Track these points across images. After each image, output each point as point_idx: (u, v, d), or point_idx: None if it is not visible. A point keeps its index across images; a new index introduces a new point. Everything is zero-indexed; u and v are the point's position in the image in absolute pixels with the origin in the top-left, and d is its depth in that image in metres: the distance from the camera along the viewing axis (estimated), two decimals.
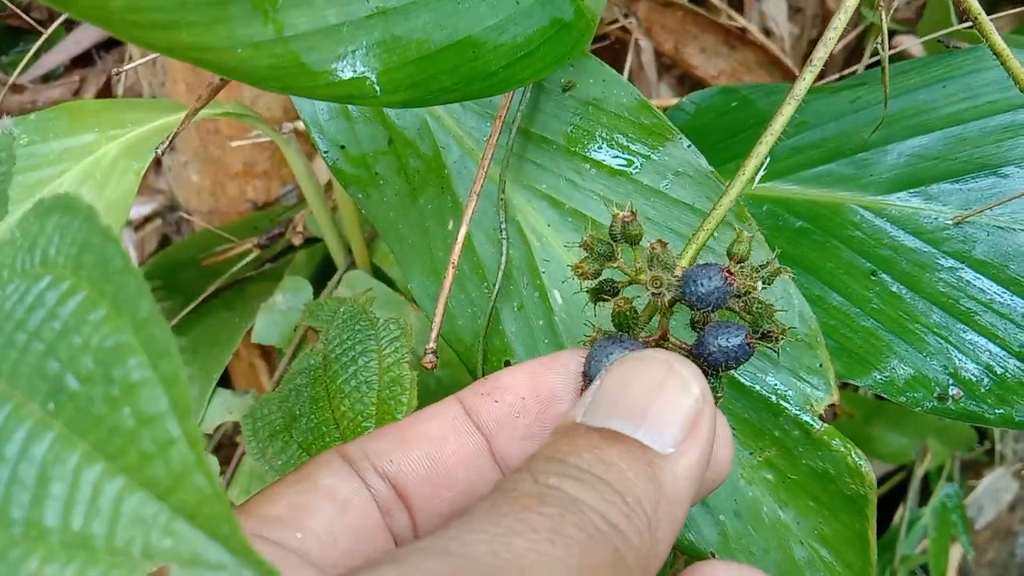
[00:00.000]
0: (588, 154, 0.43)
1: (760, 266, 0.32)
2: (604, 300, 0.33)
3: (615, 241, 0.32)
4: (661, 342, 0.33)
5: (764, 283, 0.31)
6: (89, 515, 0.16)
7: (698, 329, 0.33)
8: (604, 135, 0.43)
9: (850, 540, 0.41)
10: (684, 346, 0.33)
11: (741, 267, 0.32)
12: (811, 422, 0.41)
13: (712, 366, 0.31)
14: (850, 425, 0.78)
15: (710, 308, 0.30)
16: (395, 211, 0.45)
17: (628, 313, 0.32)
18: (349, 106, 0.45)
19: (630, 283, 0.33)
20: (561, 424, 0.26)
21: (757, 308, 0.32)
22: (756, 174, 0.32)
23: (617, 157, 0.43)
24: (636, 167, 0.43)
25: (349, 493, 0.27)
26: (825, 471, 0.41)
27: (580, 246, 0.32)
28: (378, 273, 0.65)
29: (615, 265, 0.32)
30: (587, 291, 0.33)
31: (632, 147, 0.43)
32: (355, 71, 0.29)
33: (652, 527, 0.23)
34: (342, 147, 0.45)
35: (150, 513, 0.16)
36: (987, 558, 1.06)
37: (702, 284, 0.30)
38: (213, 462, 0.61)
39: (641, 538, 0.22)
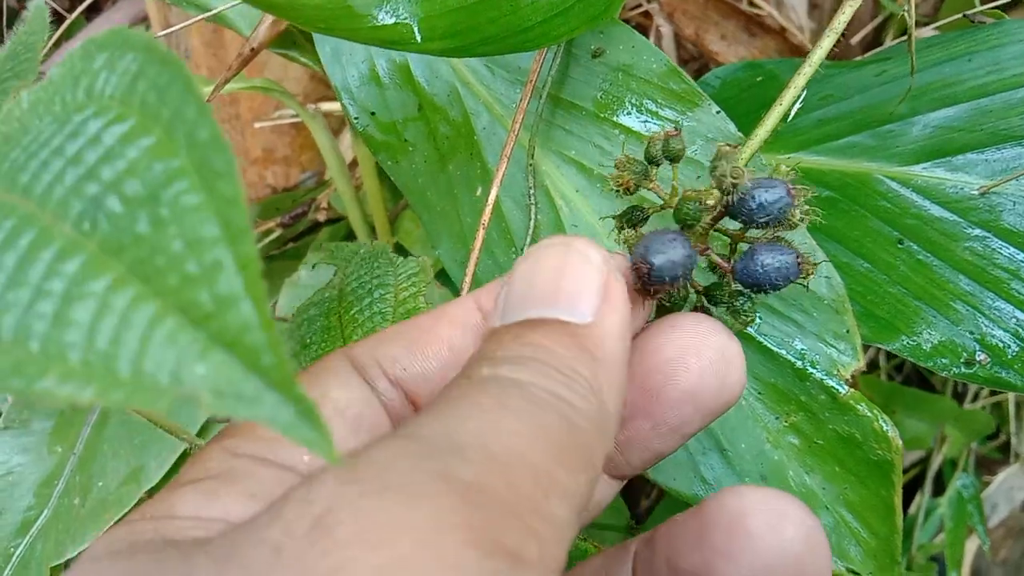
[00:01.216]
0: (617, 119, 0.43)
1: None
2: (632, 228, 0.34)
3: (652, 163, 0.32)
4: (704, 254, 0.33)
5: (802, 217, 0.32)
6: (116, 338, 0.15)
7: (741, 251, 0.33)
8: (634, 101, 0.43)
9: (876, 506, 0.42)
10: (724, 266, 0.33)
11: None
12: (837, 387, 0.41)
13: (755, 283, 0.31)
14: None
15: (768, 219, 0.30)
16: (424, 178, 0.46)
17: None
18: (379, 72, 0.46)
19: (661, 208, 0.33)
20: (483, 335, 0.26)
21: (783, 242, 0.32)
22: (793, 104, 0.33)
23: (647, 122, 0.43)
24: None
25: (361, 408, 0.26)
26: (851, 436, 0.41)
27: (615, 165, 0.32)
28: (400, 250, 0.65)
29: (651, 186, 0.32)
30: (614, 217, 0.33)
31: (662, 113, 0.43)
32: (397, 16, 0.30)
33: (596, 391, 0.23)
34: (372, 114, 0.46)
35: (184, 339, 0.15)
36: (1000, 556, 1.06)
37: (767, 193, 0.30)
38: None
39: (587, 401, 0.22)
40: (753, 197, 0.30)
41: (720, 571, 0.26)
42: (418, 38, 0.30)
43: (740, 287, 0.33)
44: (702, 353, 0.29)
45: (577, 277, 0.25)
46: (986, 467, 1.05)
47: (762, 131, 0.34)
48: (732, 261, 0.33)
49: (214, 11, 0.49)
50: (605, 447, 0.23)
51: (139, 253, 0.16)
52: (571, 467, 0.21)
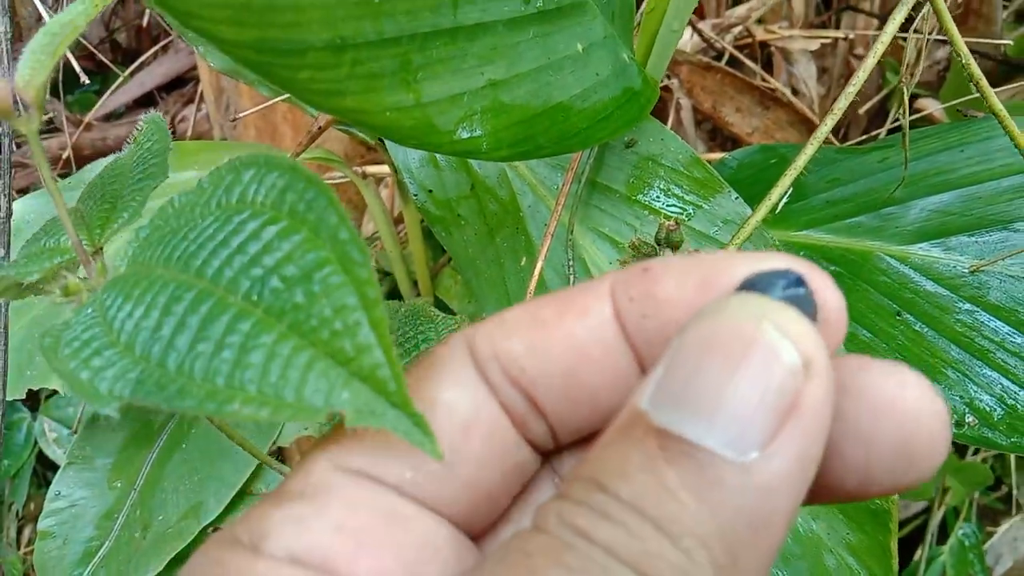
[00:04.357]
0: (647, 202, 0.49)
1: None
2: None
3: (659, 246, 0.37)
4: None
5: None
6: (282, 375, 0.21)
7: None
8: (662, 186, 0.49)
9: (873, 550, 0.46)
10: None
11: None
12: None
13: None
14: None
15: None
16: (474, 248, 0.52)
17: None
18: (437, 156, 0.52)
19: None
20: (626, 407, 0.20)
21: None
22: (780, 200, 0.38)
23: (673, 206, 0.49)
24: (689, 214, 0.49)
25: (471, 414, 0.22)
26: None
27: (628, 246, 0.37)
28: (440, 304, 0.71)
29: None
30: None
31: (687, 197, 0.49)
32: (471, 132, 0.36)
33: (725, 572, 0.17)
34: (430, 191, 0.52)
35: (333, 375, 0.21)
36: None
37: None
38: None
39: None
40: None
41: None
42: (486, 148, 0.36)
43: None
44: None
45: (752, 383, 0.18)
46: (989, 518, 1.08)
47: (748, 228, 0.39)
48: None
49: (279, 99, 0.55)
50: None
51: (297, 316, 0.22)
52: None
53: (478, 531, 0.23)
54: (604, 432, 0.20)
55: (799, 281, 0.19)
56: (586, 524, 0.17)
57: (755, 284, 0.20)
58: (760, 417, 0.18)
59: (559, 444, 0.24)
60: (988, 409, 0.48)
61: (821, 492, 0.21)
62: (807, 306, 0.19)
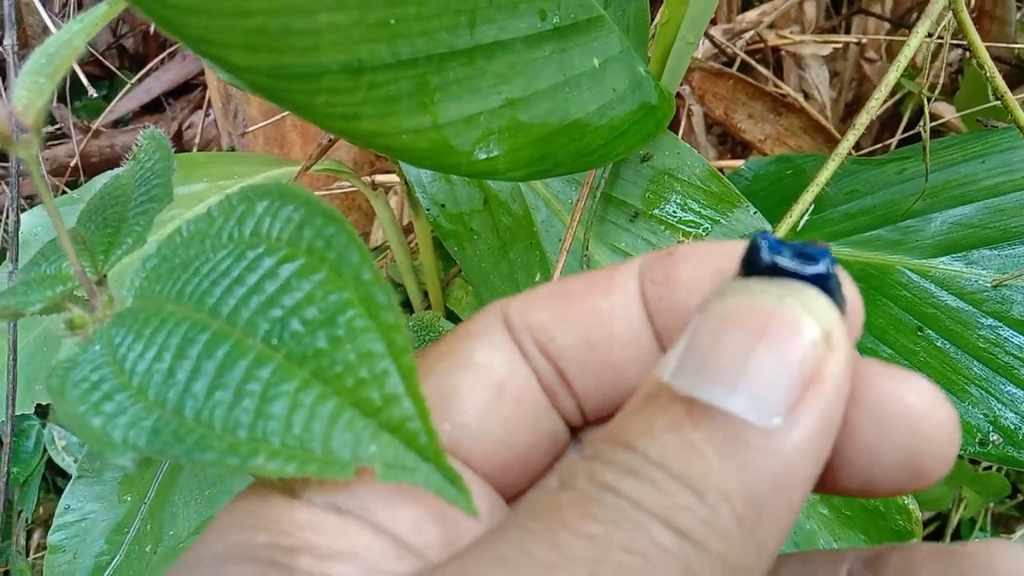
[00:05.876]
0: (664, 217, 0.48)
1: None
2: None
3: None
4: None
5: None
6: (306, 427, 0.20)
7: None
8: (678, 201, 0.48)
9: None
10: None
11: None
12: None
13: None
14: None
15: None
16: (487, 263, 0.51)
17: None
18: None
19: None
20: (648, 380, 0.20)
21: None
22: (802, 217, 0.38)
23: (690, 221, 0.48)
24: (706, 229, 0.48)
25: (505, 374, 0.23)
26: (876, 508, 0.46)
27: None
28: (451, 316, 0.70)
29: None
30: None
31: (704, 212, 0.48)
32: (488, 152, 0.35)
33: (747, 527, 0.18)
34: (442, 206, 0.51)
35: (360, 426, 0.20)
36: None
37: None
38: None
39: (729, 543, 0.17)
40: None
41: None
42: (504, 168, 0.36)
43: None
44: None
45: (775, 354, 0.18)
46: (1004, 524, 1.07)
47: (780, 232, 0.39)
48: None
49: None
50: None
51: (320, 363, 0.21)
52: None
53: (510, 494, 0.23)
54: (627, 402, 0.20)
55: (827, 265, 0.20)
56: (614, 480, 0.18)
57: (778, 262, 0.20)
58: (783, 385, 0.18)
59: (587, 420, 0.24)
60: (1013, 427, 0.47)
61: (824, 486, 0.21)
62: (832, 288, 0.20)
